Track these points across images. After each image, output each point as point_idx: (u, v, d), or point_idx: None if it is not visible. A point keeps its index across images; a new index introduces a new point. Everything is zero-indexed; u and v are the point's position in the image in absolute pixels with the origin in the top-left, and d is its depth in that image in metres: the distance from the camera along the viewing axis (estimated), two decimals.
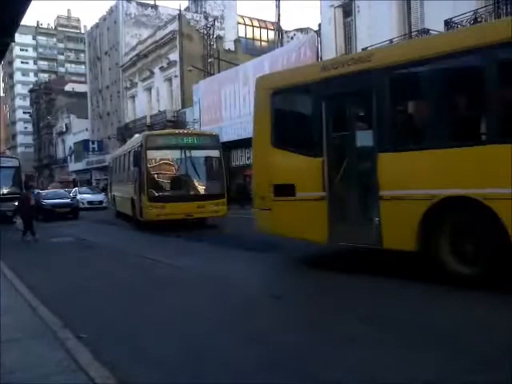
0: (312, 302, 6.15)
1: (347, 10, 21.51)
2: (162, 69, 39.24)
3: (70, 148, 59.38)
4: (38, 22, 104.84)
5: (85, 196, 32.37)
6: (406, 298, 5.92)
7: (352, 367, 3.96)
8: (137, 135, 23.19)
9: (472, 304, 5.49)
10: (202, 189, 16.12)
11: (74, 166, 58.53)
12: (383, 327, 4.92)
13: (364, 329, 4.89)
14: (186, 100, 35.46)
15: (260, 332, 5.05)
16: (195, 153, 16.03)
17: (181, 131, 19.05)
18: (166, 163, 16.04)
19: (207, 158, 16.63)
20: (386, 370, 3.89)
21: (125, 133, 42.01)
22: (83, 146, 51.63)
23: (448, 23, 15.91)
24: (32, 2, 6.45)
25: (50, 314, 5.68)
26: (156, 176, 15.79)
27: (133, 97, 45.29)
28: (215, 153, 16.60)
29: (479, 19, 15.25)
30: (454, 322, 4.95)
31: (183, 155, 15.75)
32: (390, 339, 4.56)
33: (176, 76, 37.30)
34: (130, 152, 18.93)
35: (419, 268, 7.02)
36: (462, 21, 15.56)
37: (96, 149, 50.26)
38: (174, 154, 15.91)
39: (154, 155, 15.80)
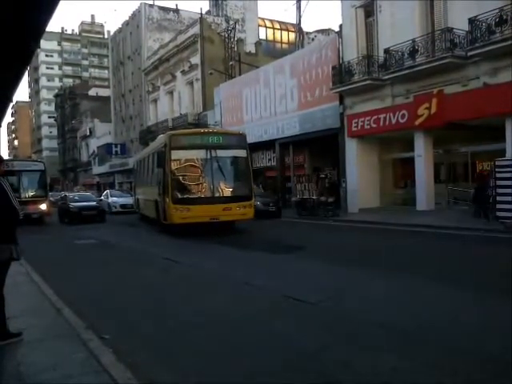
0: None
1: (369, 10, 21.28)
2: (183, 72, 39.53)
3: (94, 151, 60.24)
4: (62, 28, 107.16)
5: (117, 199, 30.22)
6: None
7: None
8: (161, 136, 22.33)
9: None
10: (228, 190, 15.39)
11: (97, 169, 59.35)
12: None
13: None
14: (208, 103, 35.62)
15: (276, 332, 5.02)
16: (221, 153, 15.29)
17: (206, 130, 18.05)
18: (190, 164, 15.35)
19: (234, 158, 15.87)
20: None
21: (147, 136, 42.40)
22: (106, 150, 52.32)
23: (472, 21, 15.61)
24: (57, 9, 6.56)
25: (73, 316, 5.75)
26: (180, 177, 15.18)
27: (155, 100, 45.73)
28: (242, 152, 15.87)
29: (504, 17, 14.92)
30: None
31: (209, 155, 15.05)
32: None
33: (197, 79, 37.51)
34: (153, 153, 18.44)
35: None
36: (486, 19, 15.26)
37: (119, 152, 50.85)
38: (200, 154, 15.20)
39: (178, 155, 15.18)
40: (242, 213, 15.21)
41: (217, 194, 15.08)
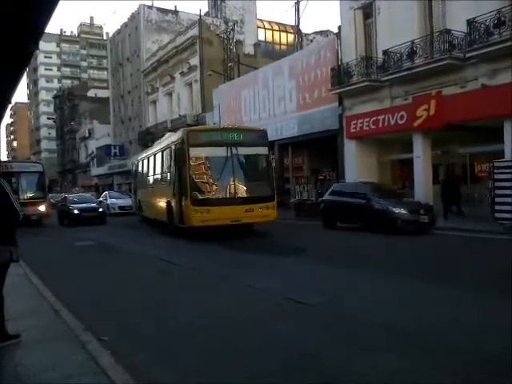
0: None
1: (367, 12, 21.30)
2: (182, 74, 39.54)
3: (92, 153, 60.22)
4: (61, 29, 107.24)
5: (116, 201, 30.59)
6: None
7: None
8: (169, 133, 21.60)
9: None
10: (250, 191, 14.38)
11: (96, 171, 59.34)
12: None
13: None
14: (206, 104, 35.62)
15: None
16: (242, 150, 14.35)
17: (226, 126, 16.87)
18: (210, 162, 14.27)
19: (255, 156, 15.02)
20: None
21: (146, 137, 42.41)
22: (105, 151, 52.29)
23: (471, 23, 15.64)
24: (56, 11, 6.57)
25: (72, 317, 5.75)
26: (200, 176, 14.10)
27: (154, 102, 45.73)
28: (263, 150, 14.98)
29: (503, 18, 14.95)
30: None
31: (229, 153, 14.08)
32: None
33: (196, 80, 37.53)
34: (164, 151, 17.53)
35: None
36: (485, 20, 15.28)
37: (118, 153, 50.81)
38: (220, 152, 14.12)
39: (197, 153, 14.07)
40: (264, 214, 14.28)
41: (238, 195, 14.13)
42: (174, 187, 15.20)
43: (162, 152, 17.77)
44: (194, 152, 14.08)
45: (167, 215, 16.25)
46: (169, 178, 16.24)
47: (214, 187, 14.13)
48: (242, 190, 14.27)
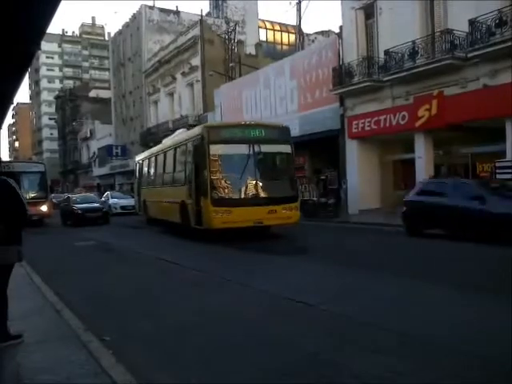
0: None
1: (369, 12, 21.30)
2: (183, 74, 39.56)
3: (95, 154, 60.29)
4: (63, 29, 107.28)
5: (118, 201, 30.89)
6: None
7: None
8: (181, 130, 20.93)
9: None
10: (273, 191, 13.65)
11: (97, 171, 59.39)
12: None
13: None
14: (208, 104, 35.63)
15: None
16: (265, 148, 13.80)
17: (247, 122, 16.13)
18: (231, 160, 13.61)
19: (278, 154, 14.45)
20: None
21: (147, 137, 42.44)
22: (107, 151, 52.32)
23: (472, 23, 15.62)
24: (57, 11, 6.59)
25: (73, 317, 5.75)
26: (220, 175, 13.36)
27: (155, 102, 45.75)
28: (286, 148, 14.26)
29: (504, 18, 14.93)
30: None
31: (251, 150, 13.45)
32: None
33: (198, 81, 37.54)
34: (177, 149, 16.77)
35: None
36: (486, 20, 15.27)
37: (119, 154, 50.81)
38: (241, 149, 13.48)
39: (217, 150, 13.33)
40: (287, 216, 13.58)
41: (261, 195, 13.43)
42: (189, 187, 14.46)
43: (175, 149, 16.96)
44: (215, 149, 13.34)
45: (180, 216, 15.39)
46: (183, 176, 15.43)
47: (236, 187, 13.44)
48: (265, 190, 13.51)
